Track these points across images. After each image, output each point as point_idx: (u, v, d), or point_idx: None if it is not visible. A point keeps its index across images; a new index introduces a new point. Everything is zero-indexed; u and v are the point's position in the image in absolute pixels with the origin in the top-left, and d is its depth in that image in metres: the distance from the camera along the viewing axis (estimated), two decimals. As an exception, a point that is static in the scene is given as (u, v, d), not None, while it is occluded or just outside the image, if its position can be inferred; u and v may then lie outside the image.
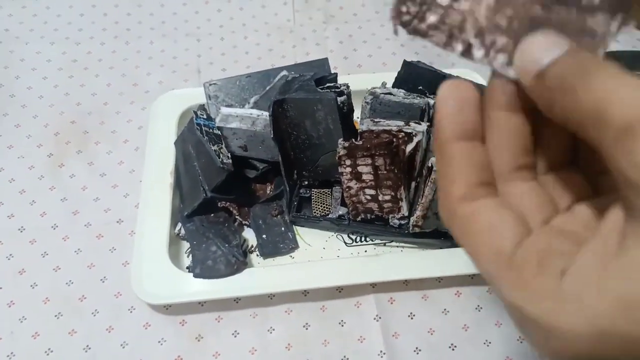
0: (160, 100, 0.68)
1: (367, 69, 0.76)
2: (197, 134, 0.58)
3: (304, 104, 0.53)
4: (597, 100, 0.18)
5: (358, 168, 0.54)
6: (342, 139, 0.52)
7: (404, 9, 0.24)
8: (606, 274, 0.19)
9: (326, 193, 0.60)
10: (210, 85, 0.67)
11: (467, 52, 0.24)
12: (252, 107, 0.64)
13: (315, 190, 0.61)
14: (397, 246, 0.59)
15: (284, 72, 0.66)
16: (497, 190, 0.23)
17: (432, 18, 0.24)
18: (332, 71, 0.65)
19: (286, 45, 0.79)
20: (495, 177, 0.23)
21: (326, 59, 0.66)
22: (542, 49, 0.21)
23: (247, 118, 0.62)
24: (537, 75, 0.21)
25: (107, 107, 0.71)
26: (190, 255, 0.57)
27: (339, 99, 0.53)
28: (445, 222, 0.23)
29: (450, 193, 0.22)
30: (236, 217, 0.59)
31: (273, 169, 0.61)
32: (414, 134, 0.51)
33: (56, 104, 0.71)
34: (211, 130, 0.57)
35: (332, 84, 0.55)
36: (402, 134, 0.51)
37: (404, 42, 0.78)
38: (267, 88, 0.65)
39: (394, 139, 0.51)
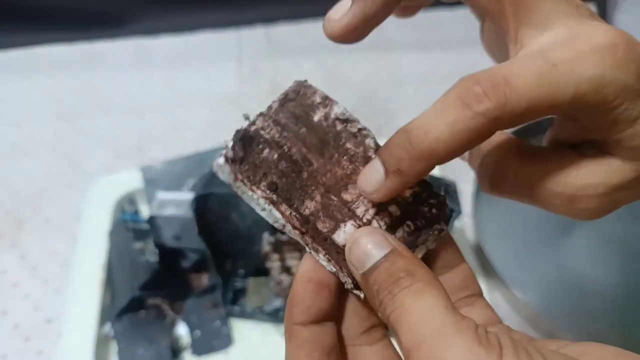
0: (95, 186, 0.66)
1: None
2: (123, 230, 0.56)
3: (227, 199, 0.52)
4: (392, 320, 0.20)
5: (287, 262, 0.51)
6: (267, 232, 0.50)
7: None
8: None
9: (263, 282, 0.58)
10: (147, 169, 0.65)
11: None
12: (190, 190, 0.63)
13: (252, 278, 0.58)
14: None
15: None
16: None
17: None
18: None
19: (231, 119, 0.77)
20: (345, 343, 0.24)
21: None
22: (366, 249, 0.21)
23: (183, 203, 0.60)
24: (361, 275, 0.21)
25: (44, 194, 0.69)
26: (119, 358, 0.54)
27: (264, 190, 0.52)
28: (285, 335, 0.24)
29: (292, 317, 0.23)
30: (168, 313, 0.57)
31: (209, 258, 0.59)
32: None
33: (-7, 192, 0.70)
34: (137, 226, 0.55)
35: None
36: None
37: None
38: (205, 171, 0.64)
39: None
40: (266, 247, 0.50)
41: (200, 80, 0.83)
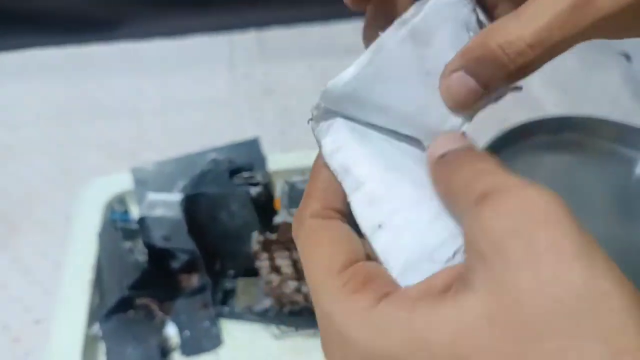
0: (86, 187, 0.66)
1: (305, 144, 0.74)
2: (112, 230, 0.56)
3: (216, 199, 0.52)
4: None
5: (276, 261, 0.52)
6: (256, 231, 0.51)
7: None
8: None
9: (252, 282, 0.58)
10: (138, 170, 0.66)
11: None
12: (180, 191, 0.63)
13: (241, 278, 0.58)
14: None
15: (212, 155, 0.65)
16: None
17: None
18: (265, 149, 0.64)
19: (222, 122, 0.78)
20: None
21: (255, 140, 0.65)
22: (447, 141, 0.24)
23: (173, 204, 0.60)
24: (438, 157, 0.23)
25: (36, 197, 0.70)
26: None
27: (253, 190, 0.52)
28: (293, 231, 0.25)
29: (308, 206, 0.24)
30: (157, 313, 0.57)
31: (198, 258, 0.59)
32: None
33: (-16, 194, 0.70)
34: (126, 226, 0.56)
35: (248, 175, 0.54)
36: (317, 225, 0.50)
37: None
38: (195, 173, 0.64)
39: (308, 232, 0.49)
40: (255, 246, 0.50)
41: (192, 84, 0.84)
